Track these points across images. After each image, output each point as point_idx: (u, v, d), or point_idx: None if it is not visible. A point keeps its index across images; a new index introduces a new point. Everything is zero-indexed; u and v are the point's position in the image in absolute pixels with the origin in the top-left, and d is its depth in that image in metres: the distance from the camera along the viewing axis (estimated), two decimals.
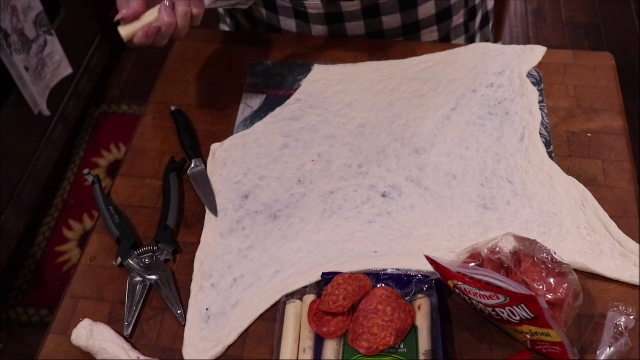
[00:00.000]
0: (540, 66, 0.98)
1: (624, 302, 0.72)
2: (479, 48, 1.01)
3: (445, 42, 1.08)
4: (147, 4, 0.81)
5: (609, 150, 0.87)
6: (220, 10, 1.18)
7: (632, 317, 0.71)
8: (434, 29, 1.05)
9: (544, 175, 0.85)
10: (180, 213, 0.86)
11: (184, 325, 0.76)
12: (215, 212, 0.85)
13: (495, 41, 1.27)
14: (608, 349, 0.70)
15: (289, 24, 1.06)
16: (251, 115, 0.97)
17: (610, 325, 0.71)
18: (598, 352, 0.70)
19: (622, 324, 0.71)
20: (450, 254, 0.77)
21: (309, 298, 0.74)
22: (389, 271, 0.77)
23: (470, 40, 1.12)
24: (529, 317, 0.65)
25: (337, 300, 0.71)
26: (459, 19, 1.06)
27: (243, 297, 0.78)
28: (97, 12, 2.16)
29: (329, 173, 0.88)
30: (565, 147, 0.88)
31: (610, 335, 0.70)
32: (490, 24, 1.15)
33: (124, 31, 0.81)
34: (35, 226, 1.97)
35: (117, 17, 0.80)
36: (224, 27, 1.19)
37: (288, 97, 0.98)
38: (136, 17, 0.80)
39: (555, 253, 0.71)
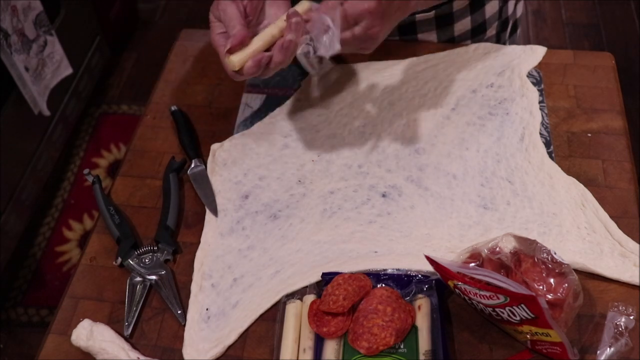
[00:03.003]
0: (540, 66, 0.98)
1: (624, 302, 0.72)
2: (479, 48, 1.01)
3: None
4: (246, 27, 0.77)
5: (609, 150, 0.87)
6: None
7: (632, 317, 0.71)
8: (467, 43, 1.05)
9: (544, 175, 0.85)
10: (180, 213, 0.86)
11: (184, 325, 0.76)
12: (215, 212, 0.85)
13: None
14: (608, 349, 0.70)
15: None
16: (251, 115, 0.97)
17: (610, 325, 0.71)
18: (598, 352, 0.70)
19: (622, 324, 0.71)
20: (450, 254, 0.77)
21: (309, 298, 0.74)
22: (389, 271, 0.77)
23: None
24: (529, 317, 0.65)
25: (337, 300, 0.71)
26: (491, 31, 1.06)
27: (243, 297, 0.78)
28: (97, 12, 2.16)
29: (329, 173, 0.88)
30: (565, 147, 0.88)
31: (610, 335, 0.70)
32: (519, 30, 1.15)
33: (236, 58, 0.75)
34: (35, 226, 1.97)
35: (226, 49, 0.76)
36: None
37: (288, 97, 0.98)
38: (243, 43, 0.76)
39: (555, 253, 0.71)
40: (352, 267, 0.77)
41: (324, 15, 0.74)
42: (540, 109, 0.92)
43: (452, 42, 1.04)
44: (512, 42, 1.13)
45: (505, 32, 1.09)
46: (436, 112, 0.93)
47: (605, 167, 0.86)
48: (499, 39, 1.08)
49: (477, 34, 1.04)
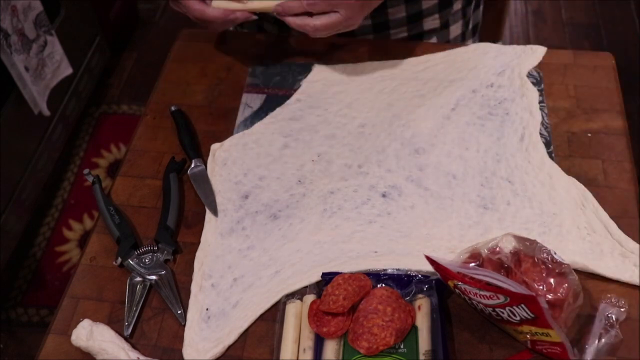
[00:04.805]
0: (540, 66, 0.98)
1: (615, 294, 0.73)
2: (479, 48, 1.01)
3: (445, 28, 1.11)
4: None
5: (609, 150, 0.87)
6: None
7: (622, 309, 0.71)
8: (435, 17, 1.07)
9: (544, 175, 0.85)
10: (180, 213, 0.86)
11: (184, 325, 0.76)
12: (215, 212, 0.85)
13: (495, 41, 1.27)
14: (597, 340, 0.70)
15: None
16: (251, 115, 0.97)
17: (602, 316, 0.71)
18: (588, 343, 0.70)
19: (613, 315, 0.71)
20: (450, 254, 0.77)
21: (309, 298, 0.74)
22: (389, 271, 0.77)
23: (466, 24, 1.14)
24: (529, 317, 0.65)
25: (337, 300, 0.71)
26: (457, 5, 1.10)
27: (243, 297, 0.78)
28: (97, 12, 2.16)
29: (329, 173, 0.88)
30: (565, 147, 0.88)
31: (600, 326, 0.70)
32: (481, 7, 1.19)
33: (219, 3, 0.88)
34: (35, 226, 1.97)
35: None
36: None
37: (288, 97, 0.98)
38: None
39: (555, 253, 0.71)
40: (352, 267, 0.77)
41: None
42: (540, 109, 0.92)
43: (420, 16, 1.08)
44: (476, 18, 1.17)
45: (470, 6, 1.13)
46: (436, 112, 0.93)
47: (605, 167, 0.86)
48: (465, 13, 1.12)
49: (444, 8, 1.08)
